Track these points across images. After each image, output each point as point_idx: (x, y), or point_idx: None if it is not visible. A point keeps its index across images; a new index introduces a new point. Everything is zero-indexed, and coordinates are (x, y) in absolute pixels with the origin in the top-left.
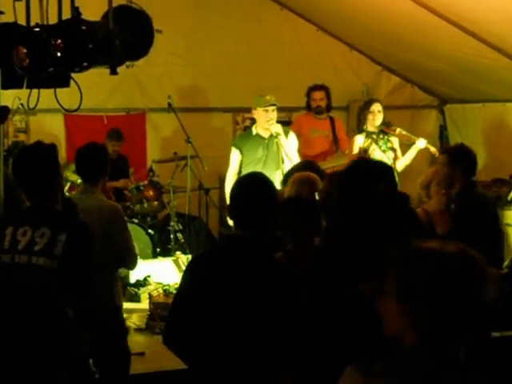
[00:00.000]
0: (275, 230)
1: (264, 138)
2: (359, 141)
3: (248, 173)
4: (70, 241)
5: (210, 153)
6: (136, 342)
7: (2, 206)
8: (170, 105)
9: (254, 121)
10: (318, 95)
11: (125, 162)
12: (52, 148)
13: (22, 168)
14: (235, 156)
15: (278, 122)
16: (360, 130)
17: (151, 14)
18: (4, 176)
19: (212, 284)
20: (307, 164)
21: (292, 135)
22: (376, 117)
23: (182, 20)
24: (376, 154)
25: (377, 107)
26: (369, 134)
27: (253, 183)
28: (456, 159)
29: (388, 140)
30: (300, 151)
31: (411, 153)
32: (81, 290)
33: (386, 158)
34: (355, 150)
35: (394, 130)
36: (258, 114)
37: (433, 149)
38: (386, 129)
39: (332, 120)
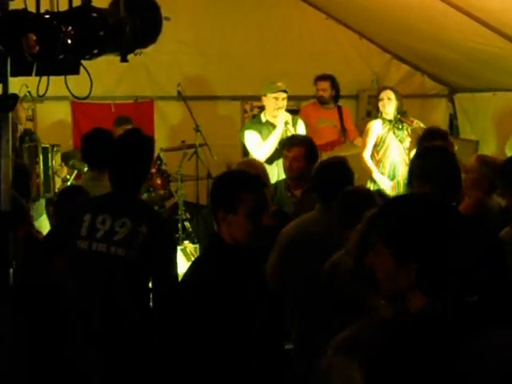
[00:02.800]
0: None
1: (274, 126)
2: (376, 127)
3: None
4: (150, 234)
5: (217, 141)
6: None
7: (9, 194)
8: (179, 93)
9: (262, 109)
10: (322, 85)
11: None
12: (150, 140)
13: (116, 152)
14: (255, 136)
15: (286, 110)
16: (375, 117)
17: (160, 2)
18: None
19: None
20: None
21: (301, 124)
22: (385, 103)
23: (190, 8)
24: (393, 143)
25: (386, 94)
26: (386, 122)
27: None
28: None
29: (406, 129)
30: None
31: None
32: (159, 283)
33: (403, 148)
34: (372, 137)
35: (412, 122)
36: (268, 100)
37: None
38: (403, 119)
39: (340, 109)
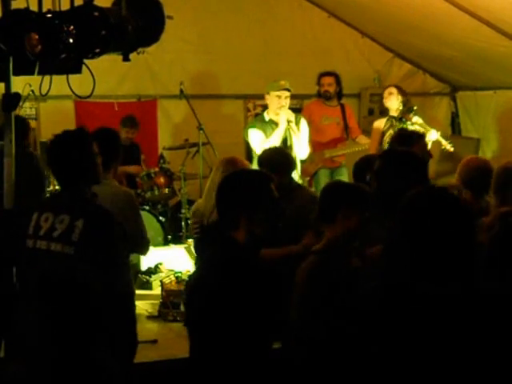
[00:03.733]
0: None
1: (277, 124)
2: (380, 126)
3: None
4: (87, 227)
5: (220, 140)
6: (149, 329)
7: (13, 193)
8: (181, 91)
9: (265, 108)
10: (327, 80)
11: (137, 150)
12: (80, 139)
13: (51, 154)
14: (258, 134)
15: (289, 109)
16: (384, 114)
17: (162, 1)
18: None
19: None
20: None
21: (304, 122)
22: (387, 99)
23: (193, 6)
24: None
25: (388, 90)
26: (390, 118)
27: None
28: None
29: (406, 126)
30: (310, 138)
31: None
32: (102, 274)
33: None
34: (376, 134)
35: (411, 119)
36: (271, 99)
37: (444, 142)
38: (405, 115)
39: (343, 107)
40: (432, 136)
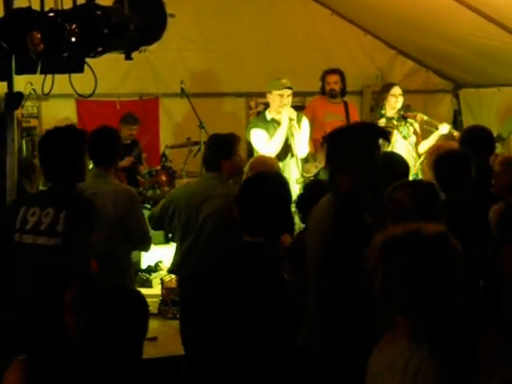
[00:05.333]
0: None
1: (279, 123)
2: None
3: (259, 172)
4: (69, 216)
5: None
6: (149, 327)
7: (15, 190)
8: (182, 90)
9: (267, 106)
10: (333, 78)
11: (138, 147)
12: (74, 137)
13: (42, 149)
14: (262, 134)
15: (291, 106)
16: (379, 115)
17: None
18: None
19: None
20: None
21: (305, 120)
22: (398, 99)
23: (195, 4)
24: (397, 141)
25: (398, 90)
26: (389, 120)
27: (263, 183)
28: (465, 141)
29: (410, 124)
30: (313, 136)
31: (433, 138)
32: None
33: (408, 144)
34: None
35: (415, 116)
36: (273, 97)
37: (456, 133)
38: (406, 114)
39: (346, 104)
40: (443, 129)
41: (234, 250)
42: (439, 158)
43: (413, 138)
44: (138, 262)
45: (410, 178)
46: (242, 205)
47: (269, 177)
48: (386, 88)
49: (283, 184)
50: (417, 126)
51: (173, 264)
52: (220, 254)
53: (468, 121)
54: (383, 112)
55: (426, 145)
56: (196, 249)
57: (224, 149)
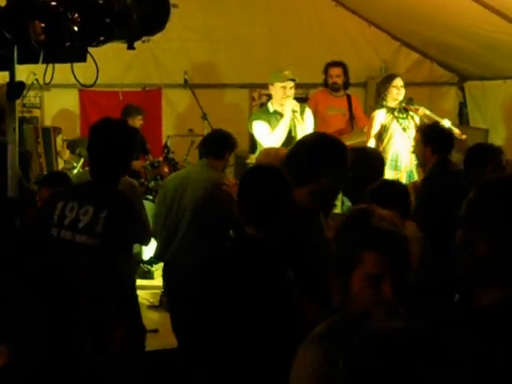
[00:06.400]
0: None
1: (282, 115)
2: (380, 116)
3: (257, 165)
4: (110, 218)
5: (225, 129)
6: (150, 318)
7: (17, 180)
8: (186, 81)
9: (270, 97)
10: (335, 71)
11: (142, 140)
12: (131, 134)
13: (95, 140)
14: (264, 126)
15: (294, 98)
16: (380, 106)
17: None
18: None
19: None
20: None
21: (308, 112)
22: (400, 91)
23: None
24: (396, 132)
25: (399, 82)
26: (390, 110)
27: (262, 175)
28: (426, 138)
29: (411, 117)
30: (315, 128)
31: None
32: (117, 265)
33: (407, 136)
34: (375, 126)
35: (417, 110)
36: (276, 89)
37: (457, 131)
38: (407, 106)
39: (349, 98)
40: (445, 125)
41: (235, 242)
42: None
43: (412, 132)
44: (140, 254)
45: (405, 174)
46: (241, 197)
47: (267, 169)
48: (388, 79)
49: (281, 176)
50: (418, 119)
51: (155, 251)
52: (220, 246)
53: (473, 113)
54: (384, 103)
55: None
56: (176, 235)
57: (216, 147)
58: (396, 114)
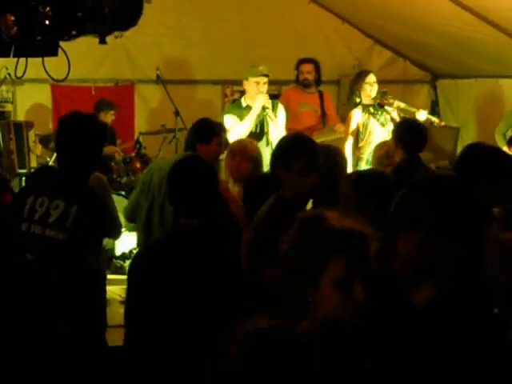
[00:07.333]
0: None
1: None
2: (357, 116)
3: (184, 156)
4: (80, 213)
5: None
6: (121, 314)
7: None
8: (158, 77)
9: (242, 94)
10: (306, 68)
11: (113, 133)
12: (101, 128)
13: (64, 132)
14: (233, 119)
15: (267, 94)
16: (355, 104)
17: None
18: None
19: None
20: None
21: (281, 108)
22: (373, 87)
23: None
24: (375, 128)
25: (372, 78)
26: (366, 108)
27: (192, 167)
28: (396, 134)
29: (387, 112)
30: (287, 125)
31: None
32: (86, 260)
33: (386, 131)
34: (353, 126)
35: (392, 104)
36: (249, 84)
37: (435, 119)
38: (382, 102)
39: (321, 95)
40: (421, 116)
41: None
42: None
43: (390, 126)
44: (112, 249)
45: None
46: (171, 188)
47: (195, 160)
48: (361, 75)
49: (206, 165)
50: (394, 112)
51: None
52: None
53: (445, 112)
54: (358, 100)
55: None
56: (150, 227)
57: (204, 133)
58: (372, 110)
